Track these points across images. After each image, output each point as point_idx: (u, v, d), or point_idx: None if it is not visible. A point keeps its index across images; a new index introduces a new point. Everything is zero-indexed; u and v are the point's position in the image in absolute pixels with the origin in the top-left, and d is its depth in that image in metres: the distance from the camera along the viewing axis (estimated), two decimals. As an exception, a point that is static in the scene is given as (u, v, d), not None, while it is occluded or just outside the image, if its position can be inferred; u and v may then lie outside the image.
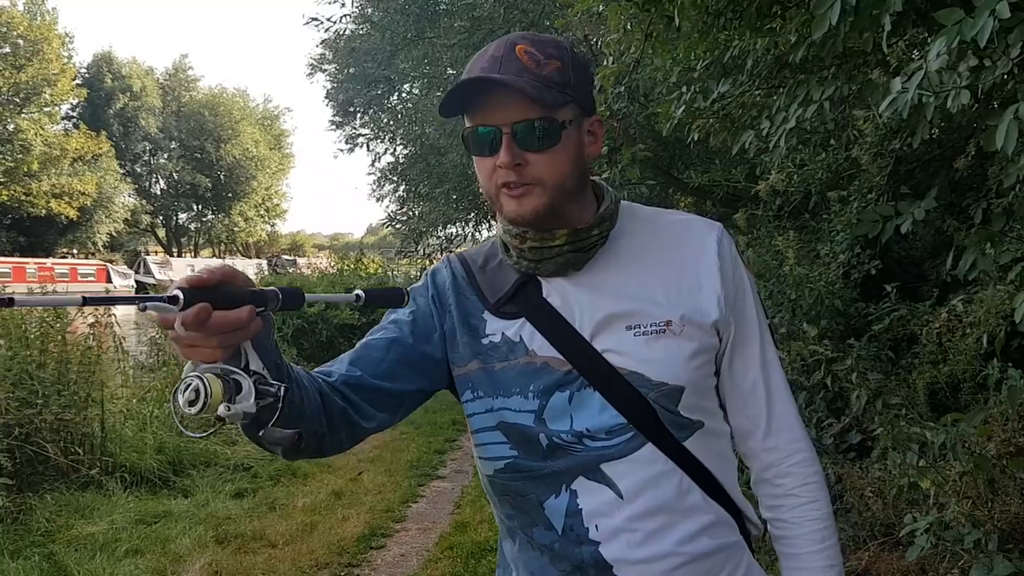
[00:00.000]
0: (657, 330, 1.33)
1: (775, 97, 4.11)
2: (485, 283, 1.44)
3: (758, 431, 1.42)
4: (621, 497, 1.32)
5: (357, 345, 1.43)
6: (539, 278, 1.40)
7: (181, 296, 0.95)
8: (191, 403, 0.96)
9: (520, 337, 1.37)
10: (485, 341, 1.40)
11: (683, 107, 4.36)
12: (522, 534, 1.43)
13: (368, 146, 21.69)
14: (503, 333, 1.39)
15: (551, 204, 1.31)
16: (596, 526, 1.34)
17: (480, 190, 1.41)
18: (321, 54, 23.51)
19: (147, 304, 0.96)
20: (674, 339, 1.33)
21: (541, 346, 1.36)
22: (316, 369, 1.36)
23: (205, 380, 0.96)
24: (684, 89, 4.49)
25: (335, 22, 16.61)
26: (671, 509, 1.33)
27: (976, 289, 4.60)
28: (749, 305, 1.41)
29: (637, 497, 1.32)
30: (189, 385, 0.97)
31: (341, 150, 22.45)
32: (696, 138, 4.76)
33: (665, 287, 1.36)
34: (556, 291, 1.38)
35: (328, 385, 1.29)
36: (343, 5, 16.53)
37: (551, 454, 1.35)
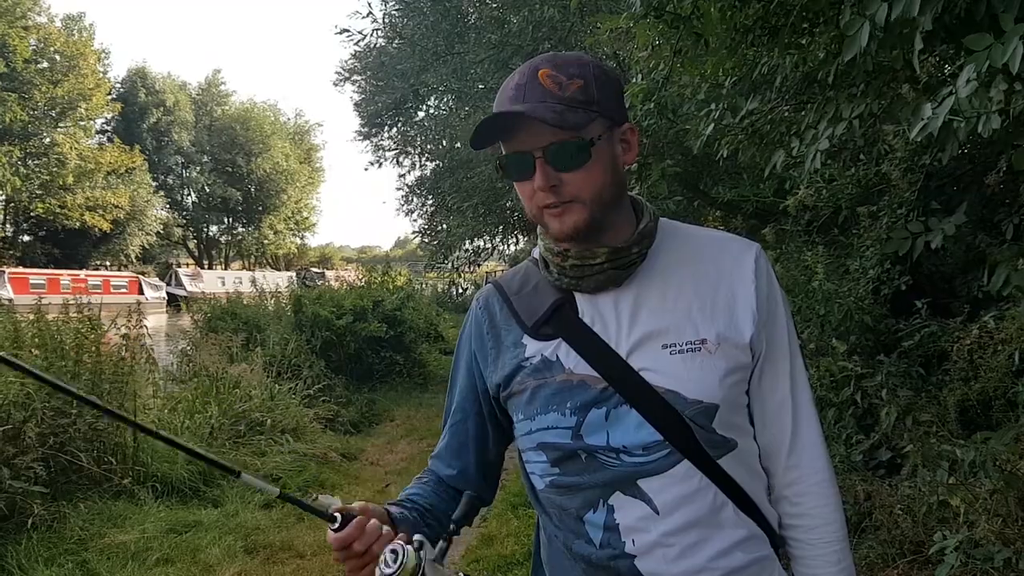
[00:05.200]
0: (692, 348, 1.35)
1: (804, 113, 4.11)
2: (522, 308, 1.49)
3: (782, 449, 1.44)
4: (657, 512, 1.35)
5: (443, 434, 1.66)
6: (575, 297, 1.43)
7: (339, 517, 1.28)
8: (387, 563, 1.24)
9: (557, 356, 1.41)
10: (526, 364, 1.44)
11: (712, 125, 4.37)
12: (563, 546, 1.46)
13: (398, 160, 21.85)
14: (542, 354, 1.43)
15: (591, 218, 1.35)
16: (633, 540, 1.36)
17: (524, 211, 1.45)
18: (352, 66, 23.75)
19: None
20: (709, 357, 1.35)
21: (577, 364, 1.39)
22: (430, 465, 1.66)
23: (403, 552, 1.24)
24: (713, 106, 4.50)
25: (365, 35, 16.75)
26: (705, 524, 1.35)
27: (1008, 306, 4.57)
28: (781, 324, 1.44)
29: (673, 512, 1.34)
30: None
31: (372, 163, 22.57)
32: (725, 154, 4.77)
33: (701, 305, 1.38)
34: (593, 309, 1.41)
35: (450, 487, 1.61)
36: (374, 21, 16.59)
37: (588, 467, 1.39)
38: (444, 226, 18.93)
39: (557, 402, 1.39)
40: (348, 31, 16.84)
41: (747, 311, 1.39)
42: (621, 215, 1.42)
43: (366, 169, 52.53)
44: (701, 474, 1.35)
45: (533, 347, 1.44)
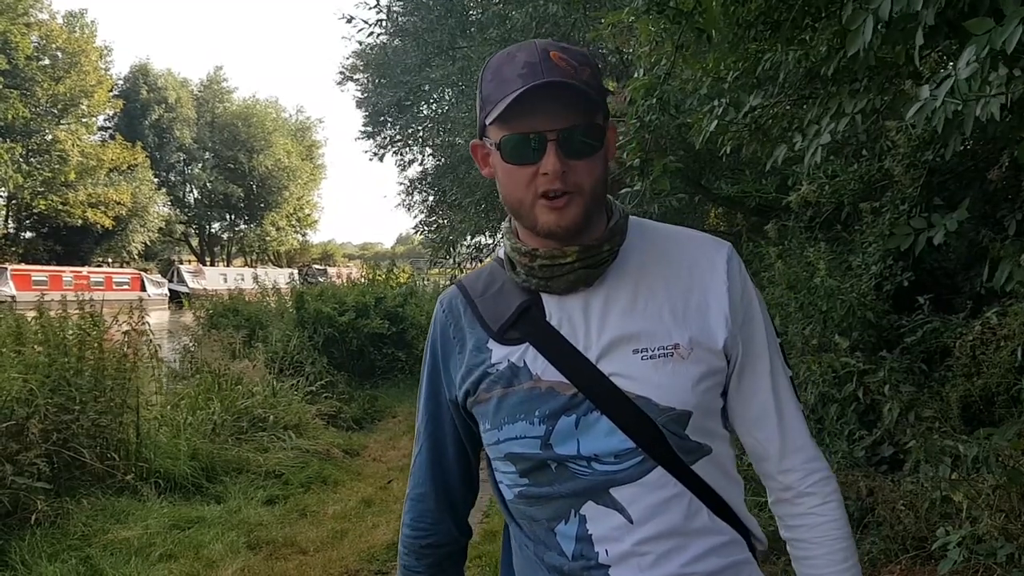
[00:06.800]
0: (664, 353, 1.31)
1: (806, 108, 4.11)
2: (486, 311, 1.42)
3: (773, 453, 1.40)
4: (631, 522, 1.31)
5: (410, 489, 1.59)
6: (543, 300, 1.37)
7: None
8: None
9: (524, 362, 1.35)
10: (492, 371, 1.38)
11: (715, 121, 4.36)
12: (534, 556, 1.43)
13: (402, 154, 21.88)
14: (508, 360, 1.36)
15: (587, 212, 1.30)
16: (606, 550, 1.33)
17: (504, 201, 1.37)
18: (353, 63, 23.75)
19: None
20: (682, 363, 1.31)
21: (545, 370, 1.33)
22: (422, 543, 1.57)
23: None
24: (716, 102, 4.49)
25: (371, 24, 16.76)
26: (680, 532, 1.32)
27: (1011, 302, 4.56)
28: (758, 325, 1.40)
29: (647, 522, 1.31)
30: None
31: (376, 154, 22.57)
32: (728, 150, 4.76)
33: (672, 307, 1.34)
34: (561, 312, 1.36)
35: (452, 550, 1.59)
36: (379, 12, 16.61)
37: (559, 477, 1.35)
38: (445, 221, 18.95)
39: (525, 411, 1.33)
40: (353, 19, 16.88)
41: (720, 314, 1.34)
42: (601, 214, 1.38)
43: (370, 160, 52.31)
44: (675, 481, 1.32)
45: (499, 352, 1.38)
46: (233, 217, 63.47)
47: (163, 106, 54.90)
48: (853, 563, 1.39)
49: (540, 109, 1.25)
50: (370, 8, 19.94)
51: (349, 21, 17.04)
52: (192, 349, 10.11)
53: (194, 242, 63.64)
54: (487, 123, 1.32)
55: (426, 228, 20.94)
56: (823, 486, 1.39)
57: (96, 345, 6.42)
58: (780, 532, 1.45)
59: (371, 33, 17.34)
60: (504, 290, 1.42)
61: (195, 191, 60.68)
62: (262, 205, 61.85)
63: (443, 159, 18.89)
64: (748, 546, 1.41)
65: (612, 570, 1.33)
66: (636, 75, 5.05)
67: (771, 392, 1.39)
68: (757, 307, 1.40)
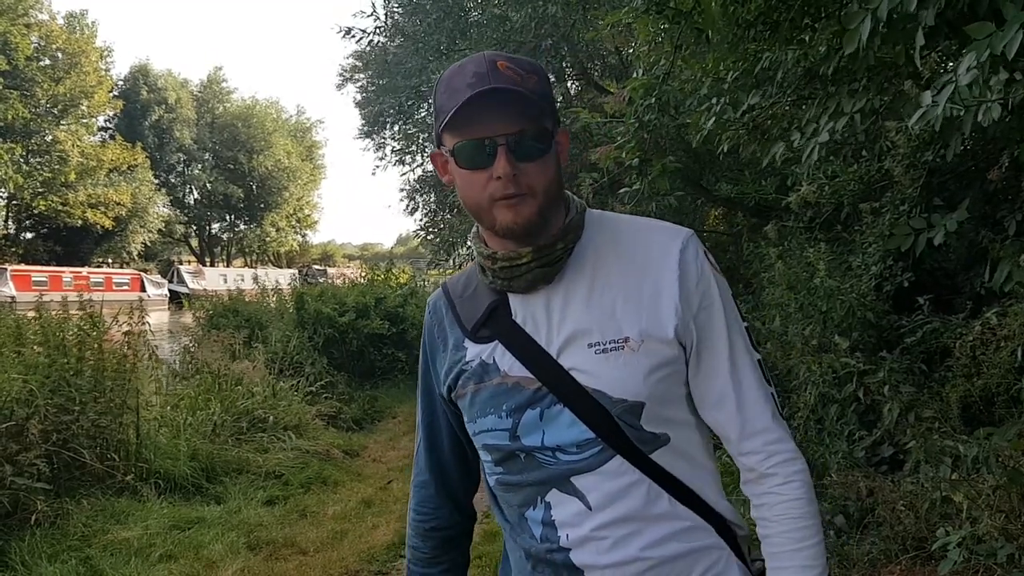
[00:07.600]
0: (615, 347, 1.36)
1: (804, 108, 4.11)
2: (463, 311, 1.52)
3: (733, 436, 1.42)
4: (589, 508, 1.38)
5: (416, 476, 1.73)
6: (509, 299, 1.45)
7: None
8: None
9: (493, 359, 1.44)
10: (467, 368, 1.47)
11: (713, 119, 4.36)
12: (511, 539, 1.54)
13: (404, 160, 21.90)
14: (480, 357, 1.46)
15: (541, 211, 1.36)
16: (567, 535, 1.41)
17: (464, 205, 1.44)
18: (353, 65, 23.76)
19: None
20: (632, 355, 1.36)
21: (512, 366, 1.42)
22: (426, 527, 1.70)
23: None
24: (714, 101, 4.49)
25: (369, 33, 16.75)
26: (639, 518, 1.37)
27: (1011, 302, 4.55)
28: (716, 311, 1.41)
29: (605, 508, 1.38)
30: None
31: (378, 165, 22.72)
32: (726, 149, 4.76)
33: (626, 300, 1.38)
34: (525, 310, 1.44)
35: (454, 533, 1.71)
36: (377, 19, 16.61)
37: (528, 466, 1.43)
38: (445, 221, 18.94)
39: (494, 405, 1.43)
40: (351, 30, 16.85)
41: (670, 303, 1.37)
42: (558, 213, 1.43)
43: (373, 173, 52.67)
44: (634, 469, 1.37)
45: (472, 351, 1.47)
46: (233, 218, 63.47)
47: (163, 107, 54.90)
48: (814, 543, 1.38)
49: (489, 116, 1.31)
50: (367, 16, 19.90)
51: (348, 33, 16.95)
52: (192, 349, 10.10)
53: (194, 243, 63.64)
54: (441, 132, 1.38)
55: (423, 232, 20.97)
56: (785, 466, 1.40)
57: (96, 346, 6.41)
58: (751, 511, 1.46)
59: (370, 41, 17.32)
60: (477, 292, 1.51)
61: (195, 192, 60.70)
62: (262, 206, 61.85)
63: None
64: (722, 532, 1.43)
65: (572, 553, 1.41)
66: (635, 75, 5.05)
67: (729, 375, 1.41)
68: (715, 292, 1.42)
